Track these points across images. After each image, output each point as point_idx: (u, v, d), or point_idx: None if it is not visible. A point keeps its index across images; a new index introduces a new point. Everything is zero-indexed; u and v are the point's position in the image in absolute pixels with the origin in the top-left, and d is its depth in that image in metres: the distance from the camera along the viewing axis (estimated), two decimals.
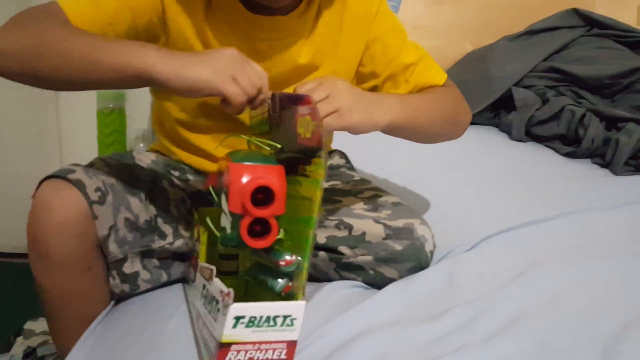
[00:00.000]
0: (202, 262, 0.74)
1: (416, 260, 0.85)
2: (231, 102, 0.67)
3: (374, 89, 0.96)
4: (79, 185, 0.77)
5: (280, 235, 0.65)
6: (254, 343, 0.59)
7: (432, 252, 0.87)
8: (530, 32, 1.81)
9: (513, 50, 1.77)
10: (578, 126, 1.53)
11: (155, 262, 0.87)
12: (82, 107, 1.80)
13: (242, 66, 0.68)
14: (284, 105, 0.72)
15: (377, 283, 0.87)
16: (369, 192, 0.96)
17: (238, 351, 0.58)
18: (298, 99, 0.68)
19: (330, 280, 0.88)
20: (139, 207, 0.84)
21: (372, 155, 1.28)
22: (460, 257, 0.91)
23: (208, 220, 0.72)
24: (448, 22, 1.89)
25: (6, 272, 1.87)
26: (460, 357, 0.65)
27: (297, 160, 0.69)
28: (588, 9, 1.84)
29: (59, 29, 0.71)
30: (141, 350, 0.74)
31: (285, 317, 0.59)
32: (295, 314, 0.59)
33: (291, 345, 0.60)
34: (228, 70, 0.66)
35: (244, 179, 0.63)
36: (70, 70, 0.69)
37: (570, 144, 1.55)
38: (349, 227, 0.87)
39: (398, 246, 0.85)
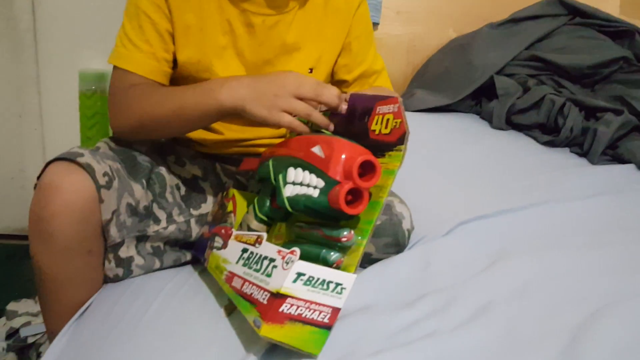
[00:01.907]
0: (239, 231, 0.81)
1: (393, 236, 0.88)
2: (288, 129, 0.77)
3: (343, 82, 1.06)
4: (89, 170, 0.79)
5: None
6: (305, 301, 0.64)
7: (409, 231, 0.90)
8: (514, 20, 1.82)
9: (496, 38, 1.78)
10: (557, 115, 1.55)
11: (148, 248, 0.90)
12: (64, 89, 1.79)
13: (293, 92, 0.76)
14: (355, 107, 0.78)
15: None
16: None
17: (291, 305, 0.63)
18: (379, 99, 0.74)
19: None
20: (141, 193, 0.87)
21: None
22: (435, 243, 0.93)
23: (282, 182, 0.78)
24: (431, 9, 1.89)
25: None
26: (431, 343, 0.67)
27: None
28: None
29: (147, 103, 0.87)
30: (121, 334, 0.76)
31: (337, 284, 0.65)
32: (346, 284, 0.65)
33: (335, 311, 0.65)
34: (279, 104, 0.76)
35: (351, 151, 0.69)
36: (174, 129, 0.90)
37: (549, 133, 1.57)
38: None
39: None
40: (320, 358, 0.65)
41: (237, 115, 0.80)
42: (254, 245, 0.74)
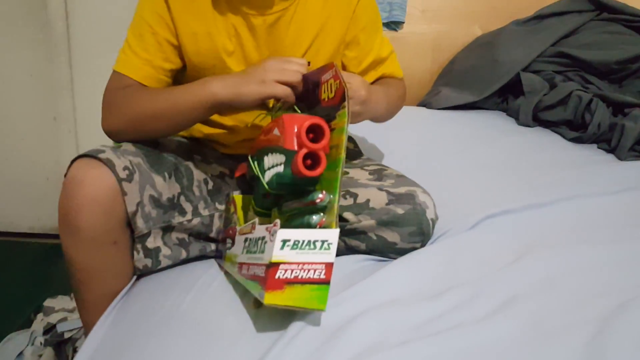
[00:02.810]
0: (240, 226, 0.87)
1: (417, 225, 0.89)
2: (283, 98, 0.83)
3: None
4: (109, 164, 0.83)
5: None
6: (298, 263, 0.69)
7: (433, 221, 0.91)
8: (539, 17, 1.81)
9: (522, 35, 1.77)
10: (585, 111, 1.54)
11: (174, 239, 0.93)
12: (98, 92, 1.82)
13: (279, 66, 0.84)
14: (308, 85, 0.84)
15: (380, 249, 0.91)
16: (374, 166, 1.04)
17: (285, 270, 0.68)
18: (322, 70, 0.81)
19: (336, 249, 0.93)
20: (163, 186, 0.90)
21: (378, 139, 1.30)
22: (461, 237, 0.94)
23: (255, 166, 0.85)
24: (457, 7, 1.89)
25: (23, 252, 1.93)
26: (457, 335, 0.68)
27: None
28: None
29: (140, 100, 0.91)
30: (156, 326, 0.78)
31: (323, 241, 0.69)
32: (331, 239, 0.70)
33: (329, 266, 0.69)
34: (270, 77, 0.83)
35: (299, 120, 0.75)
36: (164, 125, 0.91)
37: (576, 129, 1.56)
38: (354, 196, 0.93)
39: (400, 210, 0.89)
40: (350, 347, 0.67)
41: (231, 108, 0.86)
42: (250, 232, 0.80)
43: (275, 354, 0.66)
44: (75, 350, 1.28)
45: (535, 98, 1.62)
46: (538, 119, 1.63)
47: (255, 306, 0.78)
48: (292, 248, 0.68)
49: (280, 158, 0.77)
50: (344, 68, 1.09)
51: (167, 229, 0.92)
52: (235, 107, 0.85)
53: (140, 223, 0.87)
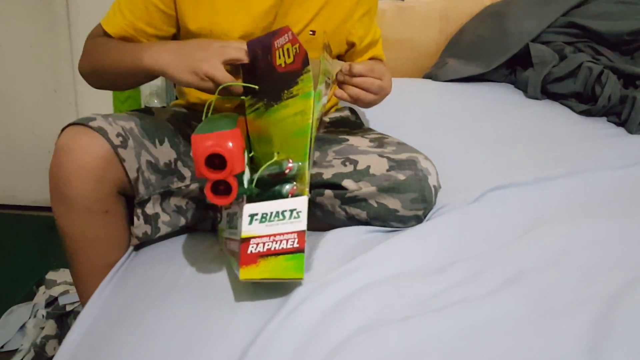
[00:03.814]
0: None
1: (419, 191, 0.87)
2: (204, 91, 0.81)
3: (351, 51, 1.11)
4: (101, 132, 0.82)
5: (275, 157, 0.77)
6: (269, 236, 0.69)
7: (435, 188, 0.89)
8: None
9: (531, 5, 1.73)
10: (595, 84, 1.51)
11: (172, 206, 0.92)
12: None
13: (214, 60, 0.79)
14: (256, 52, 0.80)
15: (381, 216, 0.89)
16: (375, 134, 1.03)
17: (257, 244, 0.69)
18: (273, 35, 0.77)
19: (337, 219, 0.92)
20: (157, 151, 0.89)
21: (381, 111, 1.27)
22: (466, 210, 0.92)
23: None
24: None
25: (26, 225, 1.94)
26: (461, 310, 0.67)
27: (279, 89, 0.79)
28: None
29: (99, 52, 0.93)
30: (156, 298, 0.77)
31: (292, 210, 0.69)
32: (300, 207, 0.70)
33: (301, 234, 0.69)
34: (203, 69, 0.79)
35: (198, 150, 0.71)
36: (115, 78, 0.93)
37: (586, 102, 1.53)
38: (355, 163, 0.91)
39: (401, 176, 0.88)
40: (350, 322, 0.65)
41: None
42: (229, 207, 0.80)
43: (274, 328, 0.65)
44: None
45: (544, 70, 1.58)
46: (547, 92, 1.59)
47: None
48: (261, 221, 0.69)
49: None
50: (349, 44, 1.08)
51: (166, 195, 0.91)
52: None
53: (141, 189, 0.87)
